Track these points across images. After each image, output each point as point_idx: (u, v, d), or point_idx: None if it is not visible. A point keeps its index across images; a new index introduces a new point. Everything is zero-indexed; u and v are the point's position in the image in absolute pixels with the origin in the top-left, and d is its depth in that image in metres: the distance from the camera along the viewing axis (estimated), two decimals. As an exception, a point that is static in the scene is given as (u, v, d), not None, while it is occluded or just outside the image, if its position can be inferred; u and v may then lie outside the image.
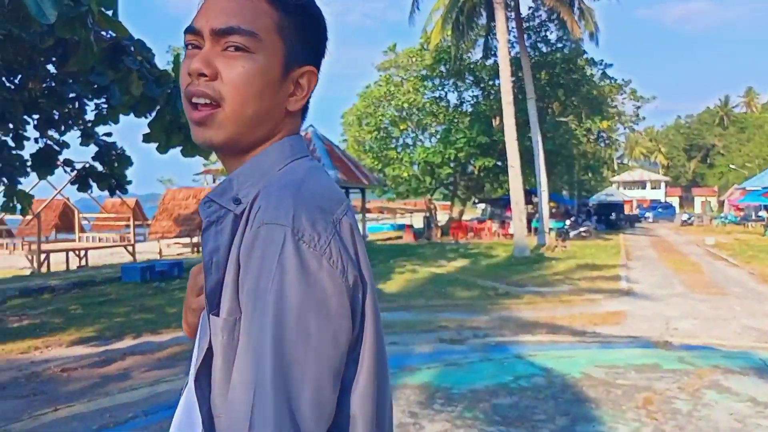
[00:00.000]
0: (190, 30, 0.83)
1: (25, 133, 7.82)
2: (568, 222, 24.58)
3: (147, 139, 5.42)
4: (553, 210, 27.60)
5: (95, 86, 6.51)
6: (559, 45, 25.74)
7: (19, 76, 7.18)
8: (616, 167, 55.74)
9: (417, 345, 6.50)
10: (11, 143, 7.86)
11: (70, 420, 4.42)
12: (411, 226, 29.19)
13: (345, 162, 18.59)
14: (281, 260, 0.71)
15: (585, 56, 26.89)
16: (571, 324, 7.64)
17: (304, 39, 0.87)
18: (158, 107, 5.06)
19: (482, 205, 35.21)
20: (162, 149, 5.43)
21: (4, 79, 7.01)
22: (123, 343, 7.02)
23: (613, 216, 32.17)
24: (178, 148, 5.68)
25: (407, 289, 10.98)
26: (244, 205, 0.80)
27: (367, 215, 25.43)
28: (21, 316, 9.02)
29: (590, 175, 34.60)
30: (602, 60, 29.32)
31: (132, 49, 4.65)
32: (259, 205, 0.76)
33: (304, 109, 0.91)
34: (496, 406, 4.40)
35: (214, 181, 35.62)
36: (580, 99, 26.59)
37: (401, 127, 27.44)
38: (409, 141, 28.79)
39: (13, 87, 7.20)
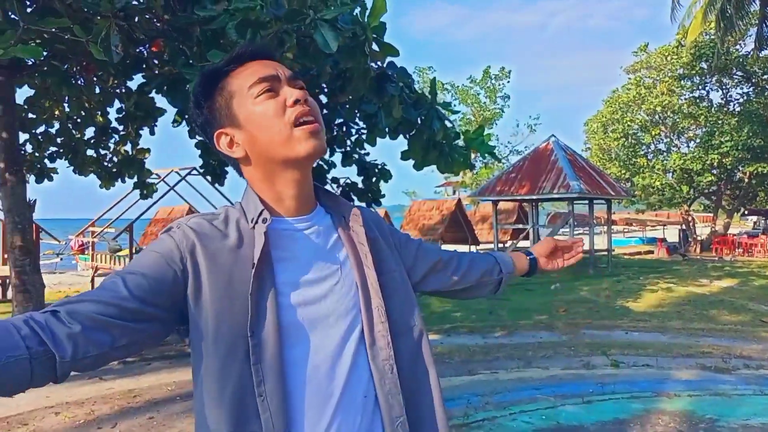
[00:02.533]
0: (268, 78, 1.08)
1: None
2: None
3: (405, 156, 5.94)
4: None
5: (359, 112, 7.39)
6: None
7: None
8: None
9: (674, 370, 5.99)
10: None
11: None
12: (663, 240, 26.63)
13: (588, 171, 17.78)
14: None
15: None
16: None
17: None
18: (416, 128, 5.53)
19: (754, 218, 30.55)
20: (418, 166, 5.91)
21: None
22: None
23: None
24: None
25: (661, 309, 10.11)
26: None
27: (613, 227, 23.88)
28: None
29: None
30: None
31: (395, 76, 5.20)
32: (369, 211, 1.29)
33: None
34: (776, 448, 3.88)
35: (453, 193, 36.97)
36: None
37: (653, 133, 25.24)
38: (662, 147, 26.32)
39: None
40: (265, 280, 1.02)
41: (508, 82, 36.50)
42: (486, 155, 5.49)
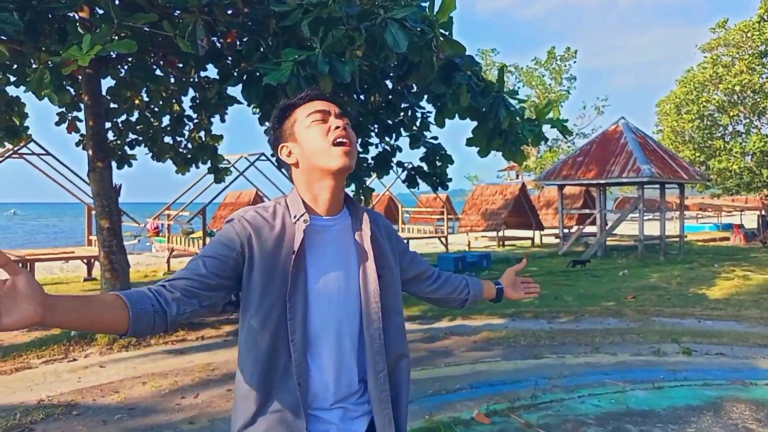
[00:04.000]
0: (322, 111, 1.48)
1: (369, 140, 9.35)
2: None
3: (470, 143, 5.97)
4: None
5: (426, 96, 7.42)
6: None
7: (363, 94, 8.58)
8: None
9: (751, 359, 5.80)
10: (359, 149, 9.48)
11: (408, 383, 5.22)
12: (741, 226, 25.34)
13: (660, 155, 17.11)
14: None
15: None
16: None
17: None
18: (482, 115, 5.54)
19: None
20: (483, 153, 5.93)
21: (355, 97, 8.46)
22: (441, 324, 7.85)
23: None
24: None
25: (736, 297, 9.71)
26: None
27: (685, 213, 22.93)
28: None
29: None
30: None
31: (463, 64, 5.23)
32: (379, 215, 1.64)
33: None
34: None
35: (517, 177, 36.37)
36: None
37: (731, 113, 23.96)
38: (741, 128, 24.94)
39: (360, 102, 8.64)
40: (300, 263, 1.42)
41: (575, 62, 35.52)
42: (555, 132, 5.45)
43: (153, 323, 1.26)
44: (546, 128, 6.28)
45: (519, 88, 35.61)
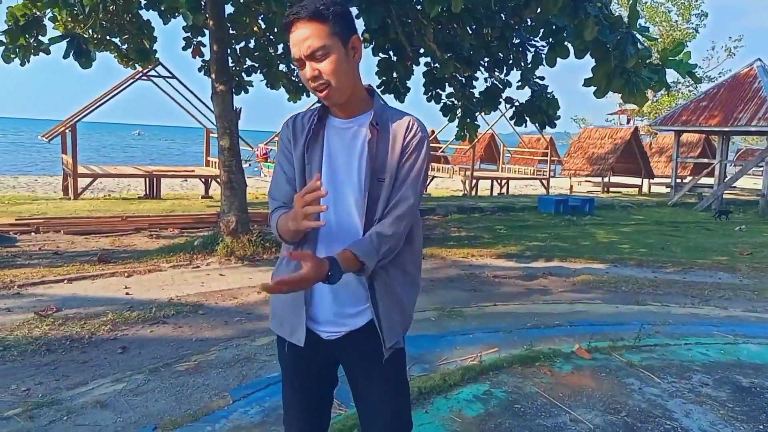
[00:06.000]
0: (297, 59, 1.54)
1: (475, 74, 9.17)
2: None
3: (588, 83, 5.69)
4: None
5: (542, 32, 7.07)
6: None
7: (476, 25, 8.31)
8: None
9: None
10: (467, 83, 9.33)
11: (505, 315, 5.32)
12: None
13: (798, 103, 15.52)
14: (428, 151, 1.68)
15: None
16: None
17: (344, 24, 1.54)
18: (606, 52, 5.22)
19: None
20: (600, 93, 5.60)
21: (468, 29, 8.24)
22: (539, 264, 7.82)
23: None
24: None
25: None
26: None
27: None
28: (459, 229, 10.85)
29: None
30: None
31: (591, -4, 4.94)
32: (409, 124, 1.65)
33: None
34: None
35: (627, 122, 34.25)
36: None
37: None
38: None
39: (473, 34, 8.40)
40: (315, 153, 1.65)
41: (708, -3, 32.13)
42: (685, 77, 5.04)
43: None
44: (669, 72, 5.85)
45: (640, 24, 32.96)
